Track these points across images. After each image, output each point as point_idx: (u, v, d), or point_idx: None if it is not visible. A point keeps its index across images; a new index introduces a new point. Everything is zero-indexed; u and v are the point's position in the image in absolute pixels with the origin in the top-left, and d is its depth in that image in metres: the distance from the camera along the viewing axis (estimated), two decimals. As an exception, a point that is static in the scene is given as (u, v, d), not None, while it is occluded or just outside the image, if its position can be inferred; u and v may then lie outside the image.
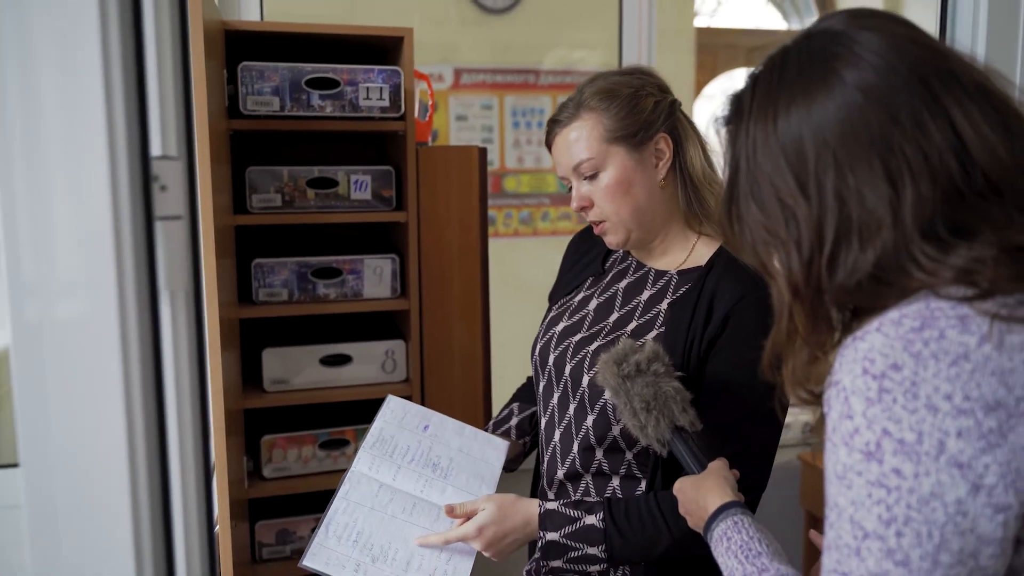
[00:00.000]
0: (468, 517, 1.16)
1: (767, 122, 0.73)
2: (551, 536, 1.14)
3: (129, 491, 0.68)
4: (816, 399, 0.74)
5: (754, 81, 0.77)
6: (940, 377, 0.63)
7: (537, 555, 1.17)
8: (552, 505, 1.17)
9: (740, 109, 0.77)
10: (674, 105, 1.25)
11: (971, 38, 1.65)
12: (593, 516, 1.14)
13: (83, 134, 0.64)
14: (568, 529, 1.14)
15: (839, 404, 0.66)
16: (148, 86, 0.68)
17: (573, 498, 1.26)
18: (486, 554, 1.16)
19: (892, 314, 0.66)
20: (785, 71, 0.74)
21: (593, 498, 1.24)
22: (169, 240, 0.70)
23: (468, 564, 1.16)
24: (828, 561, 0.68)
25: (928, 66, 0.69)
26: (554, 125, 1.26)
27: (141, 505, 0.69)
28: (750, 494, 1.14)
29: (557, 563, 1.16)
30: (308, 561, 1.08)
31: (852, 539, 0.65)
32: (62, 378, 0.67)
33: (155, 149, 0.71)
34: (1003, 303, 0.64)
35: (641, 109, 1.21)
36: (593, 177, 1.22)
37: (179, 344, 0.73)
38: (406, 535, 1.15)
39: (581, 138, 1.21)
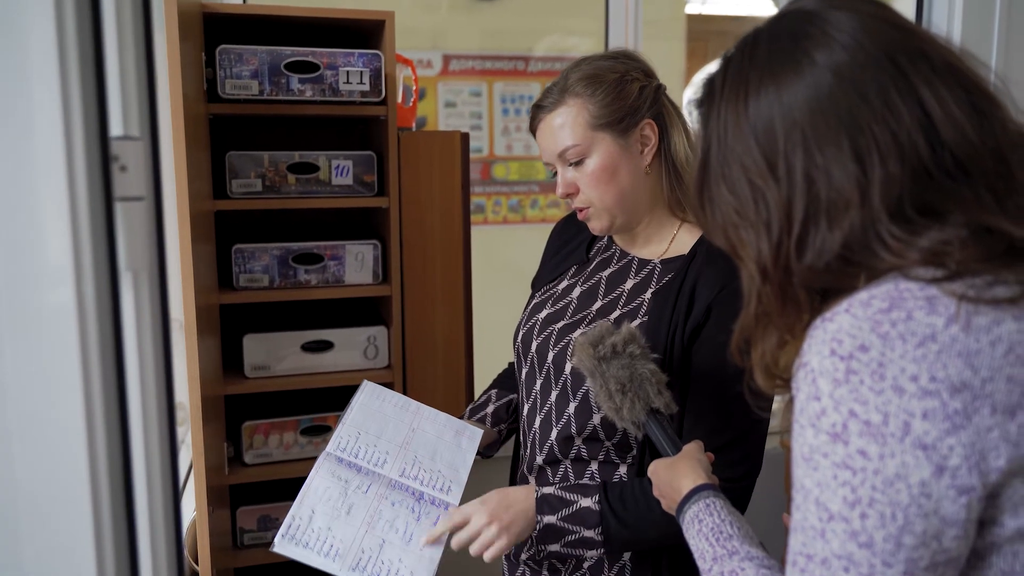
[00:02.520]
0: (463, 520, 1.14)
1: (738, 103, 0.73)
2: (548, 519, 1.15)
3: (89, 478, 0.67)
4: (786, 384, 0.74)
5: (726, 63, 0.77)
6: (907, 358, 0.62)
7: (534, 538, 1.16)
8: (548, 489, 1.17)
9: (712, 91, 0.77)
10: (659, 90, 1.24)
11: (947, 20, 1.65)
12: (589, 499, 1.15)
13: (38, 114, 0.62)
14: (565, 512, 1.15)
15: (807, 385, 0.66)
16: (107, 64, 0.67)
17: (552, 482, 1.26)
18: (490, 551, 1.12)
19: (861, 295, 0.66)
20: (756, 52, 0.73)
21: (577, 480, 1.24)
22: (130, 221, 0.69)
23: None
24: (794, 543, 0.68)
25: (897, 45, 0.69)
26: (538, 111, 1.25)
27: (102, 492, 0.67)
28: (743, 481, 1.14)
29: (554, 547, 1.16)
30: (279, 548, 1.09)
31: (817, 521, 0.65)
32: (21, 364, 0.66)
33: (115, 129, 0.69)
34: (971, 284, 0.64)
35: (627, 95, 1.20)
36: (578, 163, 1.21)
37: (142, 325, 0.72)
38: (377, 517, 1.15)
39: (566, 124, 1.20)
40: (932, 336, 0.63)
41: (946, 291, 0.64)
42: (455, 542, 1.14)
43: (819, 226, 0.68)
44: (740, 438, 1.14)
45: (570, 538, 1.15)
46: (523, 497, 1.16)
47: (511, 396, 1.43)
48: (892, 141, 0.66)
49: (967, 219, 0.66)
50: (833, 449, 0.64)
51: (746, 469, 1.14)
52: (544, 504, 1.15)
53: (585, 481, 1.19)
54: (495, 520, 1.13)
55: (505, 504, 1.15)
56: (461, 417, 1.40)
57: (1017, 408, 0.62)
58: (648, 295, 1.22)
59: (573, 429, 1.21)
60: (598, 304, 1.26)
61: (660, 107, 1.23)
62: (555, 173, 1.26)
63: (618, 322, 1.21)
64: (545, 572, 1.28)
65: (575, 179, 1.22)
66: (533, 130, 1.27)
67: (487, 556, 1.12)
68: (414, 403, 1.32)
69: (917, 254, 0.66)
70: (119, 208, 0.68)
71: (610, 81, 1.20)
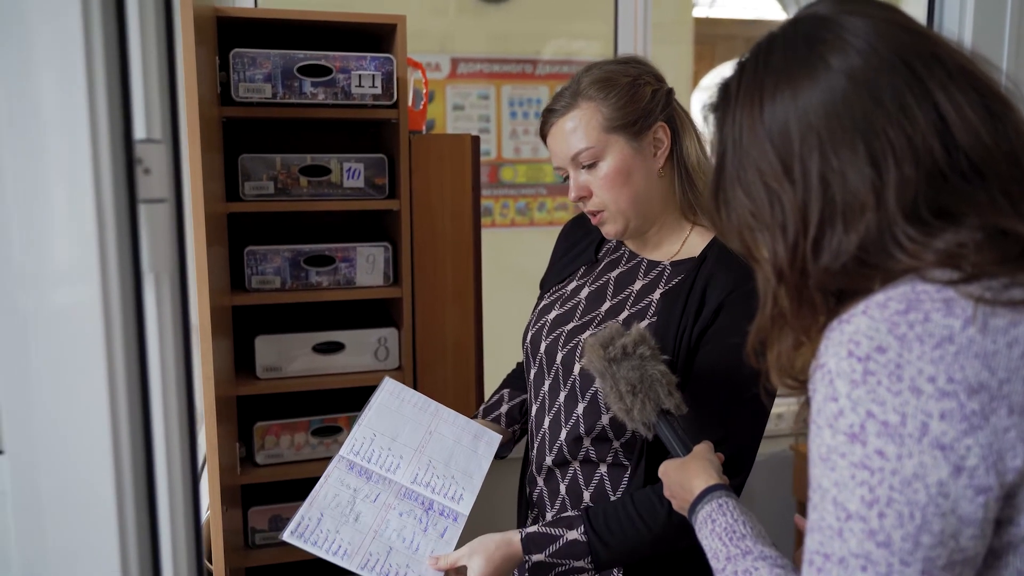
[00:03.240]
0: (453, 566, 1.15)
1: (753, 107, 0.74)
2: (536, 557, 1.15)
3: (113, 476, 0.68)
4: (801, 386, 0.75)
5: (741, 68, 0.77)
6: (924, 359, 0.63)
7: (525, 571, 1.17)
8: (532, 529, 1.17)
9: (727, 96, 0.78)
10: (670, 94, 1.25)
11: (958, 24, 1.66)
12: (574, 531, 1.15)
13: (65, 118, 0.64)
14: (552, 548, 1.15)
15: (824, 386, 0.67)
16: (132, 69, 0.68)
17: (562, 484, 1.27)
18: None
19: (878, 297, 0.67)
20: (771, 57, 0.74)
21: (581, 485, 1.24)
22: (153, 223, 0.70)
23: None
24: (810, 543, 0.68)
25: (912, 49, 0.70)
26: (550, 115, 1.25)
27: (125, 490, 0.69)
28: (734, 480, 1.14)
29: None
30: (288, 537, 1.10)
31: (835, 520, 0.66)
32: (46, 363, 0.67)
33: (139, 132, 0.71)
34: (988, 286, 0.65)
35: (640, 98, 1.20)
36: (592, 166, 1.21)
37: (164, 326, 0.73)
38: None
39: (579, 127, 1.20)
40: (949, 338, 0.63)
41: (963, 293, 0.65)
42: None
43: (835, 228, 0.69)
44: (734, 439, 1.14)
45: (560, 569, 1.16)
46: (506, 551, 1.15)
47: (524, 396, 1.43)
48: (907, 144, 0.67)
49: (982, 222, 0.67)
50: (851, 449, 0.65)
51: (738, 468, 1.14)
52: (530, 544, 1.16)
53: (568, 513, 1.19)
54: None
55: (494, 565, 1.14)
56: (474, 417, 1.41)
57: None
58: (656, 295, 1.23)
59: (582, 430, 1.22)
60: (607, 305, 1.27)
61: (672, 111, 1.24)
62: (565, 178, 1.26)
63: (627, 323, 1.21)
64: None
65: (588, 182, 1.22)
66: (544, 135, 1.27)
67: None
68: (433, 404, 1.32)
69: (933, 256, 0.66)
70: (143, 210, 0.69)
71: (623, 84, 1.20)
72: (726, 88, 0.78)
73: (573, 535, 1.15)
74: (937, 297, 0.65)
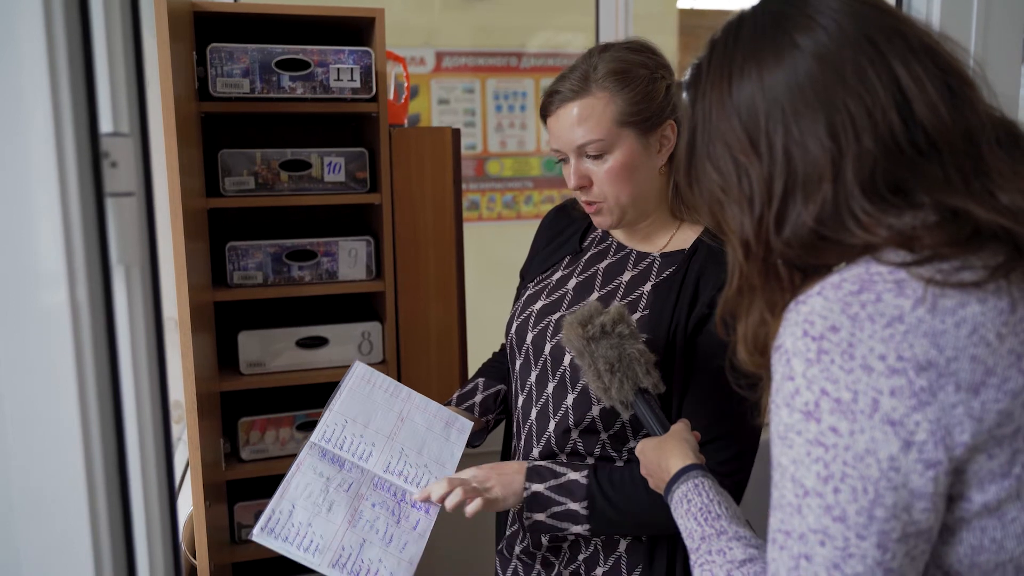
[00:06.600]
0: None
1: (722, 84, 0.75)
2: (536, 487, 1.17)
3: (85, 476, 0.67)
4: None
5: (712, 46, 0.79)
6: (875, 338, 0.64)
7: (517, 513, 1.17)
8: (540, 461, 1.20)
9: (699, 74, 0.79)
10: (680, 89, 1.23)
11: (926, 6, 1.66)
12: (578, 473, 1.17)
13: (28, 112, 0.63)
14: (553, 482, 1.16)
15: (782, 366, 0.68)
16: (96, 61, 0.68)
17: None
18: (470, 506, 1.14)
19: (833, 278, 0.69)
20: (740, 34, 0.76)
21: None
22: (121, 216, 0.70)
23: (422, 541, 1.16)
24: (773, 521, 0.70)
25: (876, 25, 0.71)
26: (556, 96, 1.20)
27: (97, 489, 0.68)
28: (738, 475, 1.15)
29: (540, 516, 1.17)
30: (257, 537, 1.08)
31: (794, 497, 0.67)
32: (13, 360, 0.66)
33: (106, 126, 0.70)
34: (939, 268, 0.66)
35: (655, 95, 1.18)
36: (597, 157, 1.19)
37: (135, 319, 0.73)
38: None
39: (591, 117, 1.17)
40: (899, 317, 0.65)
41: (914, 275, 0.66)
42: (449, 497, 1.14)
43: (795, 200, 0.71)
44: (736, 431, 1.14)
45: (556, 509, 1.16)
46: (515, 467, 1.20)
47: (499, 386, 1.43)
48: (867, 118, 0.68)
49: (935, 200, 0.68)
50: (806, 427, 0.66)
51: (740, 463, 1.14)
52: (534, 473, 1.18)
53: (577, 460, 1.21)
54: (485, 479, 1.18)
55: (498, 469, 1.20)
56: (448, 403, 1.40)
57: (980, 386, 0.64)
58: (648, 288, 1.22)
59: (571, 421, 1.21)
60: (595, 296, 1.26)
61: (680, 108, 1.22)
62: (559, 160, 1.23)
63: (605, 303, 1.21)
64: (538, 566, 1.27)
65: (589, 172, 1.19)
66: (546, 115, 1.22)
67: (468, 510, 1.13)
68: (405, 389, 1.30)
69: (886, 231, 0.68)
70: (110, 203, 0.69)
71: (641, 78, 1.17)
72: (698, 67, 0.80)
73: (576, 476, 1.16)
74: (889, 278, 0.66)
